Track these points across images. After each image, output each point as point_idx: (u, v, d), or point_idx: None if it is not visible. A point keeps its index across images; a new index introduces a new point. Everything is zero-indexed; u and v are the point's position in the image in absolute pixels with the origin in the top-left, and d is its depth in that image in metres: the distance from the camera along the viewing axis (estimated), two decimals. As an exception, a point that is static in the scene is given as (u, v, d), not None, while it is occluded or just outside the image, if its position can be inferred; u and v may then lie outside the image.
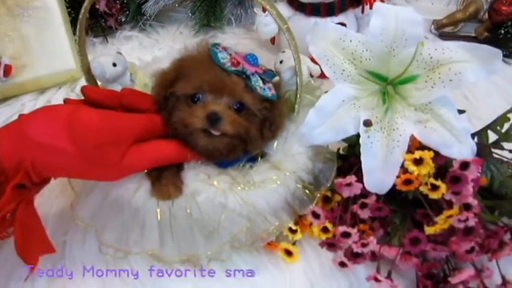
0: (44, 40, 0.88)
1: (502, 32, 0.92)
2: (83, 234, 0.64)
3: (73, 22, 0.96)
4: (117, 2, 1.07)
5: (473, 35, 1.00)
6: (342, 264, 0.58)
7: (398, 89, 0.60)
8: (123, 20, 1.10)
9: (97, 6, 1.03)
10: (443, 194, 0.53)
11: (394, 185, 0.57)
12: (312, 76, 0.65)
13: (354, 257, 0.58)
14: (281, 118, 0.57)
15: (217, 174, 0.55)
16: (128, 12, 1.10)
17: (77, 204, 0.59)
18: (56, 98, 0.91)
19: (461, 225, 0.52)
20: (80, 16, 0.57)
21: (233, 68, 0.52)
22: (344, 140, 0.64)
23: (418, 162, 0.53)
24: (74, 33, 0.95)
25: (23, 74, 0.87)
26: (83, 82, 0.90)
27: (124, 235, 0.55)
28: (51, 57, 0.89)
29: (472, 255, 0.55)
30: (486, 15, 0.98)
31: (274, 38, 0.96)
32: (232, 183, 0.54)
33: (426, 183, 0.53)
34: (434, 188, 0.53)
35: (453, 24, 1.01)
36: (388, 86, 0.60)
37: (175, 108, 0.53)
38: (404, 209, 0.60)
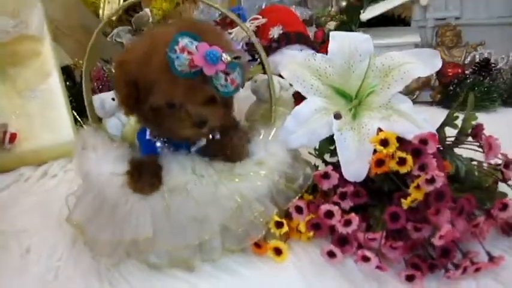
0: (47, 117, 0.98)
1: (452, 89, 1.05)
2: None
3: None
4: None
5: (429, 100, 1.13)
6: (331, 254, 0.59)
7: (362, 101, 0.69)
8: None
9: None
10: (411, 167, 0.58)
11: (368, 177, 0.62)
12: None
13: (341, 243, 0.60)
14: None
15: (204, 168, 0.60)
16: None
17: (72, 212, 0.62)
18: (53, 169, 0.96)
19: (431, 188, 0.56)
20: (86, 56, 0.66)
21: (193, 72, 0.52)
22: (317, 156, 0.71)
23: (384, 143, 0.60)
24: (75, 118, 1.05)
25: (25, 145, 0.95)
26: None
27: (118, 228, 0.57)
28: (53, 131, 0.97)
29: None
30: (436, 82, 1.12)
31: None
32: (220, 176, 0.59)
33: (394, 158, 0.59)
34: (402, 162, 0.58)
35: (410, 93, 1.14)
36: (354, 100, 0.69)
37: (157, 117, 0.56)
38: (382, 203, 0.64)
